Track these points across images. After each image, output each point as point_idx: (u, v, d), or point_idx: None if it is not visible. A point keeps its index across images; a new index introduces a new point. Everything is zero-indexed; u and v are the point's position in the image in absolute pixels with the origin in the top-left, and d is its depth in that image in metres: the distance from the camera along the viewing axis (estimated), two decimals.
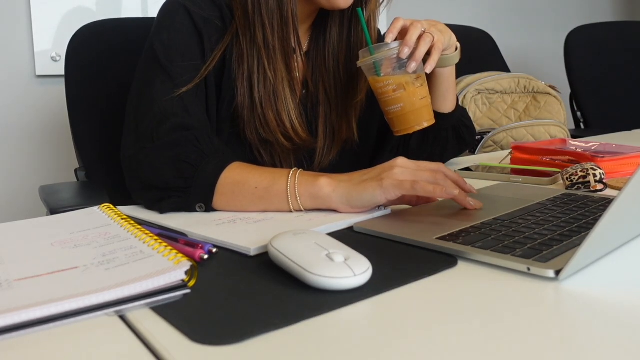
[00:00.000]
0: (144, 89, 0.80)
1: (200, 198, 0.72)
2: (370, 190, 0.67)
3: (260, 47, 0.82)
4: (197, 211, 0.73)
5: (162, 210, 0.74)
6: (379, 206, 0.71)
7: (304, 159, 0.93)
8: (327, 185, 0.69)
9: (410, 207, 0.73)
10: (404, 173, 0.67)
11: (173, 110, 0.77)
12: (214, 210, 0.73)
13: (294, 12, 0.82)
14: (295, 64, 0.88)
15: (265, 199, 0.71)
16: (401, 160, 0.69)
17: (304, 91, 0.92)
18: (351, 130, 0.94)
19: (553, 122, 1.52)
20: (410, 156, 0.72)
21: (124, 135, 0.80)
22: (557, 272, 0.47)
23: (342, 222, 0.66)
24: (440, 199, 0.74)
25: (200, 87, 0.81)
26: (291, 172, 0.71)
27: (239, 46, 0.83)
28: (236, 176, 0.72)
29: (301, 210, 0.71)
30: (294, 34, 0.84)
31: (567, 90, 2.10)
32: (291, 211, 0.71)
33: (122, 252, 0.53)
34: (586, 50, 2.17)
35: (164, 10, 0.85)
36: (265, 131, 0.84)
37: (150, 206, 0.75)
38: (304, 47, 0.92)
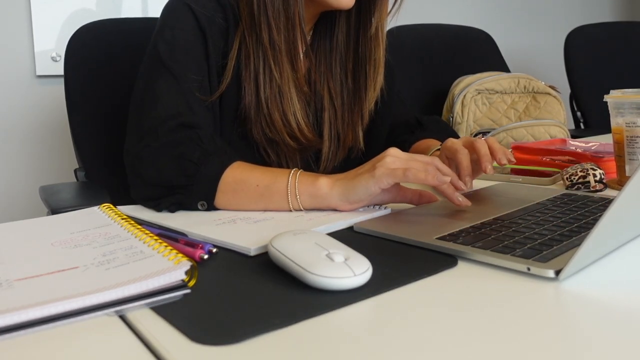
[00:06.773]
0: (148, 88, 0.80)
1: (203, 196, 0.72)
2: (363, 181, 0.68)
3: (267, 48, 0.82)
4: (199, 209, 0.73)
5: (163, 209, 0.74)
6: (378, 205, 0.71)
7: (312, 161, 0.93)
8: (325, 185, 0.70)
9: (410, 207, 0.73)
10: (396, 162, 0.68)
11: (177, 109, 0.77)
12: (215, 208, 0.73)
13: (300, 13, 0.82)
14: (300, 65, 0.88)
15: (265, 196, 0.71)
16: (393, 150, 0.69)
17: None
18: (357, 138, 0.94)
19: (553, 122, 1.52)
20: None
21: (127, 134, 0.80)
22: (557, 272, 0.47)
23: (342, 222, 0.66)
24: (441, 199, 0.74)
25: (204, 85, 0.81)
26: (292, 172, 0.71)
27: (246, 47, 0.83)
28: (238, 174, 0.72)
29: (300, 210, 0.71)
30: (301, 36, 0.84)
31: (567, 90, 2.10)
32: (290, 210, 0.71)
33: (122, 252, 0.53)
34: (586, 50, 2.16)
35: (167, 9, 0.85)
36: (272, 131, 0.84)
37: (151, 205, 0.75)
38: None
